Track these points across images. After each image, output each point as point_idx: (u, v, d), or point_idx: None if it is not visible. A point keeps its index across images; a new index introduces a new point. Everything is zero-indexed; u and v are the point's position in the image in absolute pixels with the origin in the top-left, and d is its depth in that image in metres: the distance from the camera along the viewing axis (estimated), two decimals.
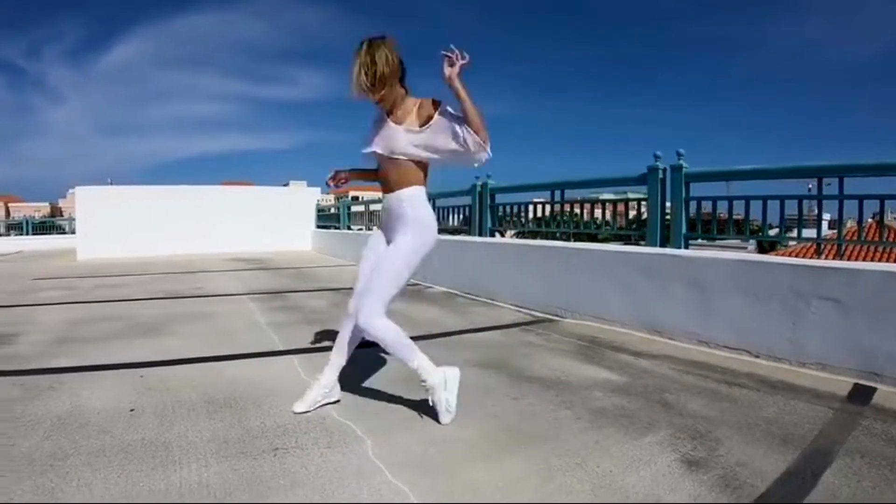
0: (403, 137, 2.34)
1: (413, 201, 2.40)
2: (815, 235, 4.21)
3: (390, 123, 2.38)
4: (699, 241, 4.58)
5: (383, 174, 2.48)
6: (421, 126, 2.33)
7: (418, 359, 2.35)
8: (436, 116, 2.32)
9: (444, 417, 2.33)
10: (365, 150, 2.48)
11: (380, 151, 2.41)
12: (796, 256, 5.65)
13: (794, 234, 4.01)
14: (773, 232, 4.33)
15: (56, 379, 2.95)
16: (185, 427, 2.28)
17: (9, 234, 21.80)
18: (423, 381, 2.34)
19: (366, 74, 2.23)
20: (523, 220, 6.35)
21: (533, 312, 4.89)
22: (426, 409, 2.45)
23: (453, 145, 2.30)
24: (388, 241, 2.46)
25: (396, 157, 2.36)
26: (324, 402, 2.50)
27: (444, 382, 2.34)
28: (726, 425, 2.29)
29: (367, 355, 3.44)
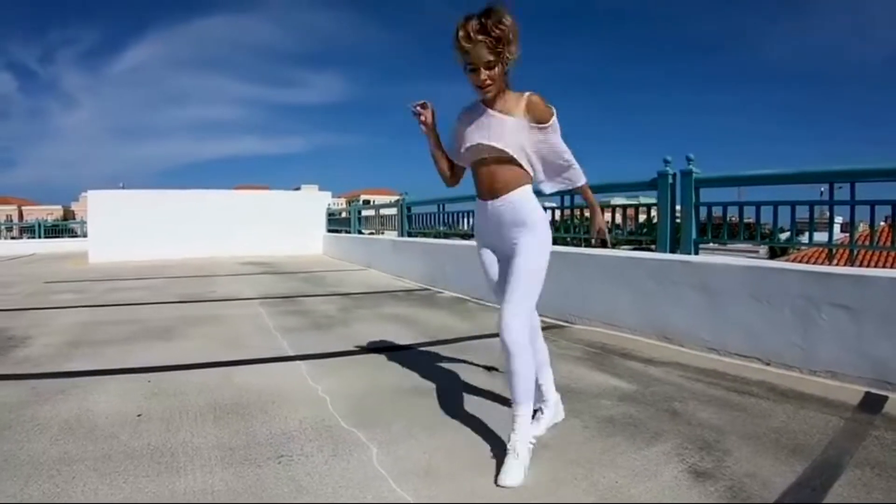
0: (519, 132, 2.02)
1: (532, 202, 2.09)
2: (826, 240, 4.16)
3: (498, 114, 2.04)
4: (709, 245, 4.53)
5: (487, 174, 2.09)
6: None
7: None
8: (553, 119, 2.05)
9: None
10: (467, 145, 2.08)
11: (493, 144, 2.02)
12: (807, 261, 5.60)
13: (805, 238, 3.96)
14: (783, 236, 4.28)
15: (66, 383, 2.98)
16: (192, 433, 2.29)
17: (21, 237, 22.09)
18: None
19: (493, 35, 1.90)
20: None
21: (542, 318, 4.85)
22: (431, 417, 2.45)
23: (567, 156, 2.13)
24: (502, 253, 2.17)
25: (509, 153, 2.01)
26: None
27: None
28: (735, 435, 2.27)
29: (371, 363, 3.45)
